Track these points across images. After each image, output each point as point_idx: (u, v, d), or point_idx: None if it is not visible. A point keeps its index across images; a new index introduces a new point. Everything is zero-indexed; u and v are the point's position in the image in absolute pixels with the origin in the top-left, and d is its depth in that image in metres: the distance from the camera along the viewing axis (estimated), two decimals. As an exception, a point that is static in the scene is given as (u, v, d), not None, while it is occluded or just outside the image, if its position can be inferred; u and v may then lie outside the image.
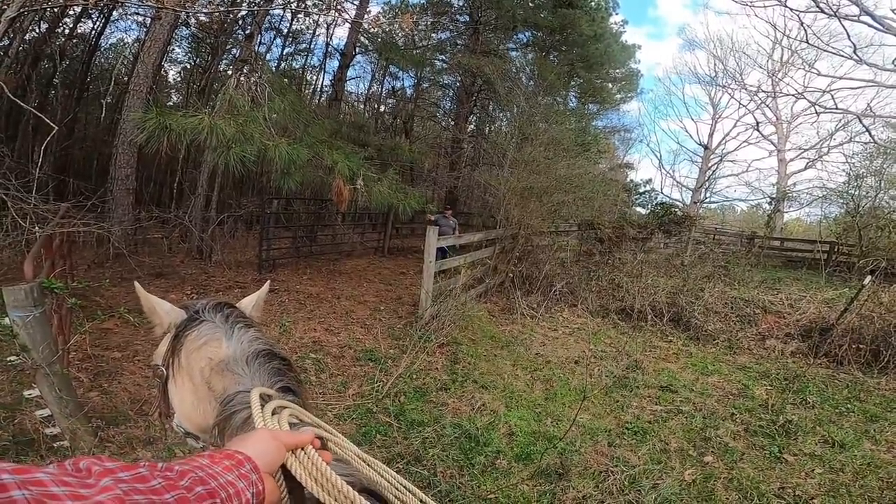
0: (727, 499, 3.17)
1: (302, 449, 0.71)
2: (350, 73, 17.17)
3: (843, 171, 18.83)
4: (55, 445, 3.03)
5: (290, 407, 0.87)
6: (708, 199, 27.81)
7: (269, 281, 1.54)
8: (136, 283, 1.30)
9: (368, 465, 0.85)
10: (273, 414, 0.79)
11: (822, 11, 12.33)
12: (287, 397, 0.91)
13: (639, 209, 18.96)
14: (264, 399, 0.83)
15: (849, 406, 4.77)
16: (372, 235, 14.08)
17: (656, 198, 21.29)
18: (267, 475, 0.63)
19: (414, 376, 4.74)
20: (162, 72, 15.12)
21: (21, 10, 4.47)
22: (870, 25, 11.89)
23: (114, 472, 0.47)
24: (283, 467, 0.69)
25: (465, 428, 3.80)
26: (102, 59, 17.56)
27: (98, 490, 0.43)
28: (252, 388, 0.86)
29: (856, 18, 11.99)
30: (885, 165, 14.63)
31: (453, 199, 19.01)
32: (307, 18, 18.31)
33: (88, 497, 0.42)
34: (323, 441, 0.86)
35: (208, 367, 1.00)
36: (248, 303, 1.31)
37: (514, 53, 18.49)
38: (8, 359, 2.95)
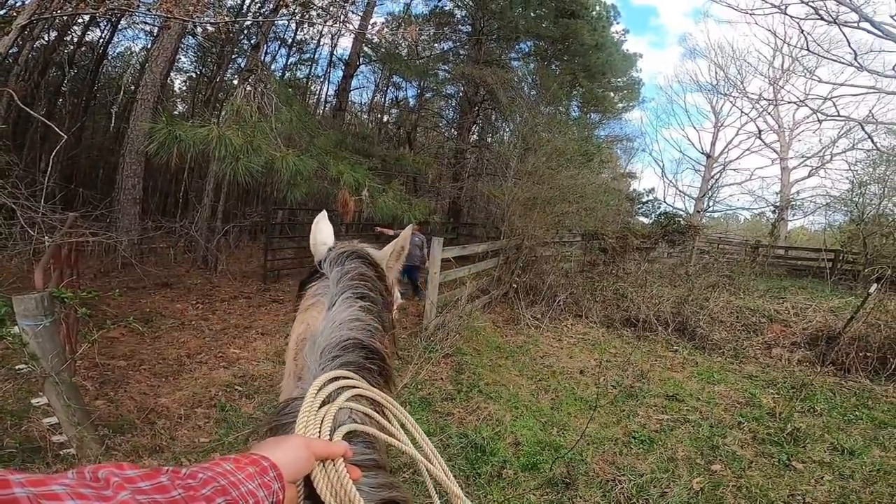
0: (736, 508, 3.15)
1: (332, 461, 0.69)
2: (354, 83, 17.34)
3: (847, 178, 18.79)
4: (62, 453, 3.04)
5: (355, 387, 0.83)
6: (711, 208, 27.69)
7: (412, 224, 1.35)
8: (324, 214, 1.27)
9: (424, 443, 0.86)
10: (323, 405, 0.77)
11: (822, 18, 12.36)
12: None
13: (642, 219, 18.98)
14: (322, 385, 0.79)
15: (857, 413, 4.75)
16: (375, 245, 14.06)
17: (659, 207, 21.32)
18: (290, 484, 0.62)
19: (419, 387, 4.74)
20: (168, 81, 15.25)
21: (32, 18, 4.54)
22: (869, 32, 11.93)
23: (134, 481, 0.46)
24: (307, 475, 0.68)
25: (471, 438, 3.79)
26: (110, 68, 17.74)
27: None
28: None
29: (855, 25, 12.02)
30: (888, 172, 14.61)
31: (456, 209, 19.06)
32: (311, 29, 18.52)
33: None
34: (381, 410, 0.84)
35: (301, 337, 0.94)
36: (386, 253, 1.18)
37: (516, 63, 18.59)
38: (17, 367, 2.96)
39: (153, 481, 0.48)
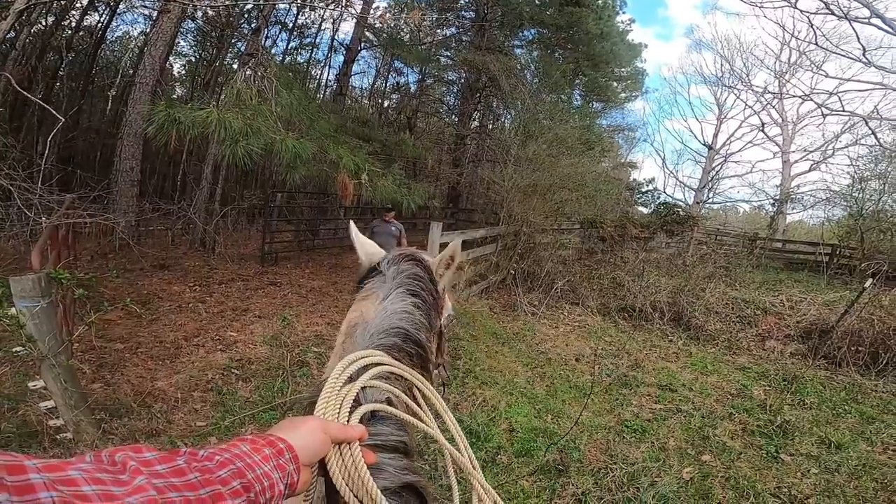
0: (724, 497, 3.20)
1: (348, 445, 0.69)
2: (355, 67, 17.21)
3: (848, 173, 18.73)
4: (58, 437, 3.05)
5: (382, 364, 0.84)
6: (711, 200, 27.69)
7: (459, 239, 1.47)
8: (351, 223, 1.39)
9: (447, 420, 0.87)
10: (346, 383, 0.77)
11: (832, 13, 12.25)
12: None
13: (641, 208, 18.95)
14: (350, 363, 0.80)
15: (846, 407, 4.80)
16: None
17: (659, 197, 21.29)
18: (305, 467, 0.63)
19: (415, 372, 4.76)
20: (167, 65, 15.11)
21: (29, 3, 4.49)
22: (879, 28, 11.81)
23: (151, 464, 0.47)
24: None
25: (466, 423, 3.83)
26: (108, 52, 17.57)
27: (131, 490, 0.42)
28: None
29: (866, 21, 11.90)
30: (889, 169, 14.60)
31: (456, 195, 19.02)
32: (313, 13, 18.30)
33: (119, 497, 0.40)
34: (409, 388, 0.86)
35: (353, 322, 1.00)
36: (437, 260, 1.26)
37: (519, 51, 18.41)
38: (14, 349, 2.97)
39: (170, 464, 0.48)
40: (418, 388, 0.88)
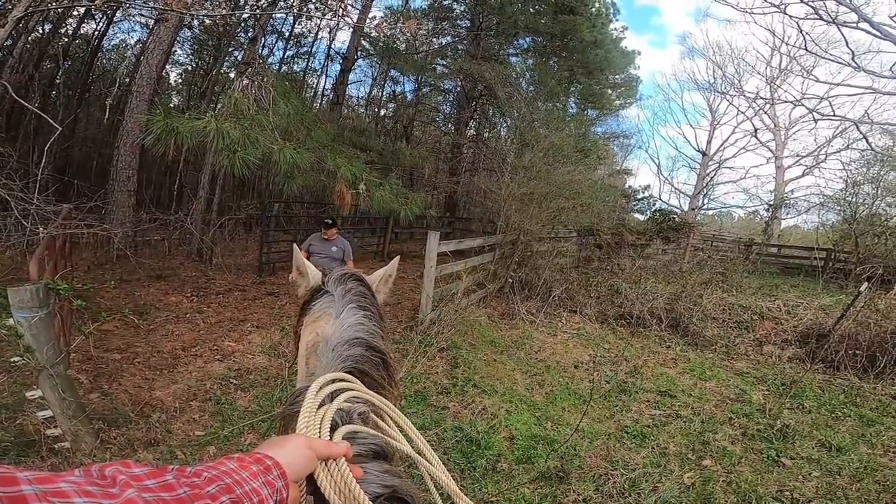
0: (726, 502, 3.20)
1: (335, 460, 0.70)
2: (351, 77, 17.25)
3: (841, 178, 18.90)
4: (56, 447, 3.03)
5: (352, 389, 0.87)
6: (706, 206, 27.77)
7: (398, 256, 1.62)
8: (295, 245, 1.47)
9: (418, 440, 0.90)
10: (321, 406, 0.79)
11: (821, 18, 12.37)
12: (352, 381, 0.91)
13: (637, 215, 19.04)
14: (322, 386, 0.83)
15: (845, 410, 4.81)
16: (371, 240, 14.10)
17: (654, 204, 21.34)
18: (293, 483, 0.63)
19: (414, 380, 4.76)
20: (164, 73, 15.14)
21: (27, 11, 4.51)
22: (868, 32, 11.94)
23: (140, 479, 0.47)
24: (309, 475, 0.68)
25: (466, 431, 3.82)
26: (105, 61, 17.60)
27: (121, 502, 0.42)
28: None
29: (854, 25, 12.04)
30: (881, 173, 14.69)
31: (453, 204, 19.06)
32: (309, 22, 18.40)
33: None
34: (377, 412, 0.88)
35: (312, 343, 1.06)
36: (377, 277, 1.38)
37: (514, 59, 18.54)
38: (11, 359, 2.96)
39: (159, 479, 0.48)
40: (385, 411, 0.91)
